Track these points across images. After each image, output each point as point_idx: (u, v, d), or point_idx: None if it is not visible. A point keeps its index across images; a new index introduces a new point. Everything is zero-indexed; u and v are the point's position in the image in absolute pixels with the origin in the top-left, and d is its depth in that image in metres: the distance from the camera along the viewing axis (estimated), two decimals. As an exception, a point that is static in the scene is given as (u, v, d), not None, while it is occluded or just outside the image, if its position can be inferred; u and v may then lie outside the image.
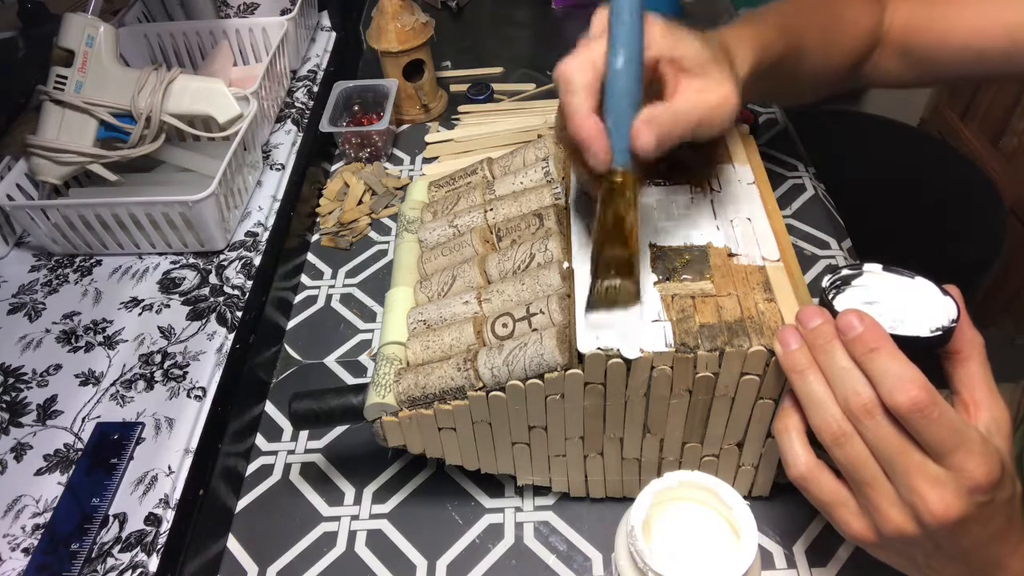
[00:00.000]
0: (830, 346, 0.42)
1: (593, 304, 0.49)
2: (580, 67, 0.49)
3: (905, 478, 0.40)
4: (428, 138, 0.96)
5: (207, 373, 0.65)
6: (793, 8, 0.66)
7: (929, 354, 0.42)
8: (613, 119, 0.47)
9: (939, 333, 0.42)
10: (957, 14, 0.68)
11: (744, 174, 0.57)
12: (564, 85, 0.49)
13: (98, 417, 0.62)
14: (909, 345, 0.41)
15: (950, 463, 0.39)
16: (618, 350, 0.46)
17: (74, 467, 0.59)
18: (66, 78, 0.72)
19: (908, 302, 0.45)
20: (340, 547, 0.59)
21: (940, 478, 0.39)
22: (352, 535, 0.60)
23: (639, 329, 0.47)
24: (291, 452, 0.66)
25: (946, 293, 0.44)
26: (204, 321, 0.70)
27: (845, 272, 0.46)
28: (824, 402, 0.42)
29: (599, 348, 0.46)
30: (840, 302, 0.45)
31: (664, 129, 0.47)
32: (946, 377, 0.44)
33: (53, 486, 0.58)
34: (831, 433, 0.42)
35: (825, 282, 0.46)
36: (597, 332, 0.47)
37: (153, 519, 0.56)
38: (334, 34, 1.12)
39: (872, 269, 0.46)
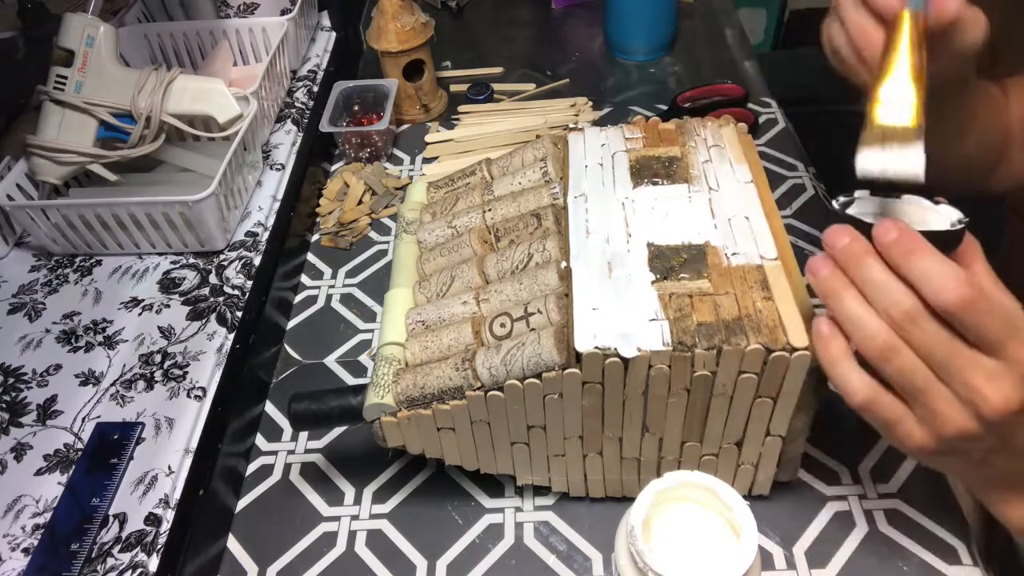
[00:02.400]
0: (864, 261, 0.41)
1: (866, 142, 0.45)
2: None
3: (960, 376, 0.39)
4: (428, 138, 0.96)
5: (207, 373, 0.65)
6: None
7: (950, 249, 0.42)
8: None
9: (961, 226, 0.41)
10: None
11: (742, 173, 0.57)
12: None
13: (98, 417, 0.62)
14: (937, 242, 0.40)
15: (1004, 354, 0.38)
16: (615, 349, 0.46)
17: (74, 467, 0.59)
18: (66, 78, 0.72)
19: (909, 216, 0.44)
20: (340, 547, 0.59)
21: (995, 371, 0.39)
22: (352, 535, 0.60)
23: (636, 328, 0.47)
24: (291, 452, 0.66)
25: (938, 203, 0.43)
26: (204, 321, 0.70)
27: (843, 198, 0.45)
28: (864, 320, 0.41)
29: (596, 347, 0.46)
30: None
31: None
32: None
33: (53, 486, 0.58)
34: (876, 349, 0.41)
35: (837, 202, 0.45)
36: (595, 331, 0.47)
37: (153, 519, 0.56)
38: (334, 34, 1.12)
39: (861, 195, 0.45)
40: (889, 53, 0.45)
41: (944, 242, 0.41)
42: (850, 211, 0.45)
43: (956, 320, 0.39)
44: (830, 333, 0.44)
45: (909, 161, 0.43)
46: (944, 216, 0.43)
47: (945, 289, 0.38)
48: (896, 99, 0.45)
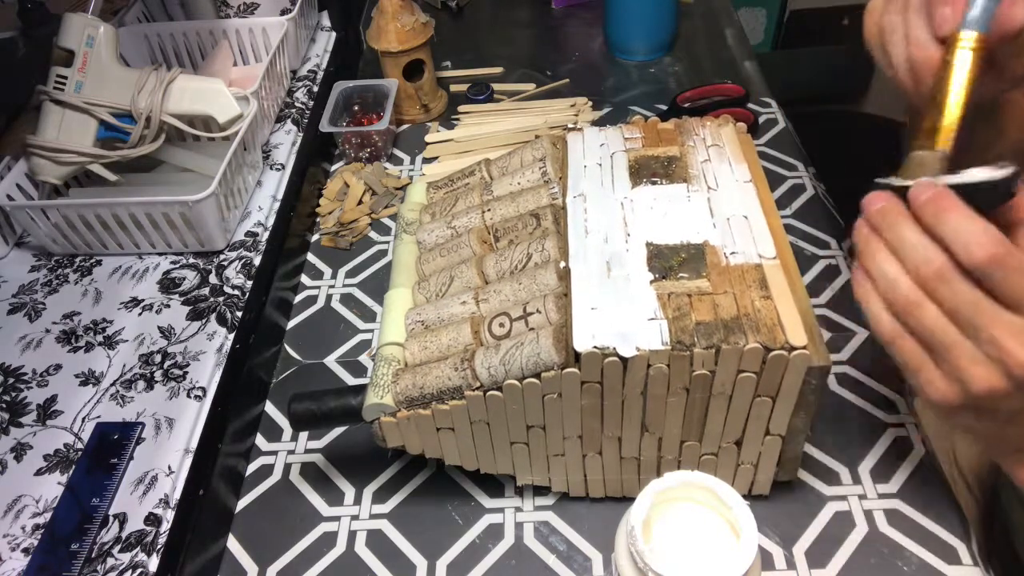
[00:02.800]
0: (896, 221, 0.42)
1: (903, 175, 0.45)
2: None
3: (987, 333, 0.39)
4: (428, 138, 0.96)
5: (207, 373, 0.65)
6: None
7: (998, 205, 0.42)
8: None
9: (1007, 175, 0.41)
10: None
11: (741, 172, 0.57)
12: None
13: (98, 417, 0.63)
14: (982, 195, 0.40)
15: None
16: (614, 348, 0.46)
17: (74, 467, 0.59)
18: (66, 78, 0.72)
19: (962, 178, 0.43)
20: (340, 547, 0.59)
21: (1021, 326, 0.39)
22: (352, 535, 0.60)
23: (635, 327, 0.47)
24: (291, 452, 0.66)
25: (1002, 167, 0.42)
26: (204, 321, 0.70)
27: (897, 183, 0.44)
28: (888, 276, 0.42)
29: (595, 347, 0.46)
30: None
31: None
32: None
33: (53, 486, 0.58)
34: (901, 304, 0.42)
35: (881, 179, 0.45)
36: (593, 331, 0.47)
37: (153, 519, 0.56)
38: (334, 34, 1.12)
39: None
40: (941, 85, 0.45)
41: (989, 194, 0.41)
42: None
43: (985, 276, 0.39)
44: (864, 277, 0.44)
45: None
46: (998, 171, 0.42)
47: (973, 244, 0.38)
48: (937, 132, 0.45)
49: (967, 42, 0.44)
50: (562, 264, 0.53)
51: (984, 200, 0.41)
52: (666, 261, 0.51)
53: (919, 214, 0.41)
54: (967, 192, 0.41)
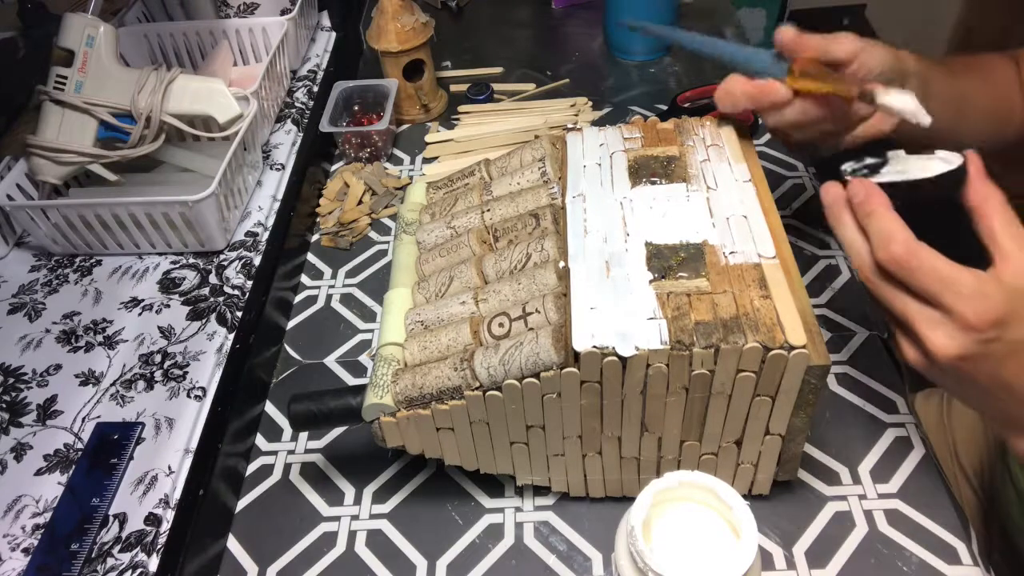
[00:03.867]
0: (839, 217, 0.47)
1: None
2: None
3: (908, 323, 0.44)
4: (428, 138, 0.96)
5: (207, 373, 0.65)
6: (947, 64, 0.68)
7: (943, 209, 0.46)
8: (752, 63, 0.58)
9: (942, 173, 0.45)
10: None
11: (740, 172, 0.57)
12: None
13: (98, 417, 0.63)
14: (918, 189, 0.45)
15: (941, 307, 0.42)
16: (613, 348, 0.46)
17: (74, 467, 0.59)
18: (66, 78, 0.72)
19: (925, 171, 0.47)
20: (340, 547, 0.59)
21: (935, 320, 0.43)
22: (352, 535, 0.60)
23: (634, 327, 0.47)
24: (291, 452, 0.66)
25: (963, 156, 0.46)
26: (204, 321, 0.70)
27: (869, 160, 0.49)
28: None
29: (595, 346, 0.46)
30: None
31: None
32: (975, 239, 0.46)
33: (53, 486, 0.58)
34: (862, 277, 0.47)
35: (847, 166, 0.50)
36: (593, 330, 0.47)
37: (153, 519, 0.56)
38: (334, 34, 1.13)
39: (895, 155, 0.49)
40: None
41: (937, 185, 0.45)
42: (883, 170, 0.49)
43: (895, 275, 0.44)
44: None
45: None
46: (949, 163, 0.46)
47: (880, 248, 0.44)
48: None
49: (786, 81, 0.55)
50: (561, 264, 0.53)
51: (933, 190, 0.45)
52: (665, 261, 0.51)
53: (855, 211, 0.46)
54: (912, 186, 0.45)
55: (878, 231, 0.44)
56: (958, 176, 0.45)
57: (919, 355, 0.45)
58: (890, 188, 0.45)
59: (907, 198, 0.45)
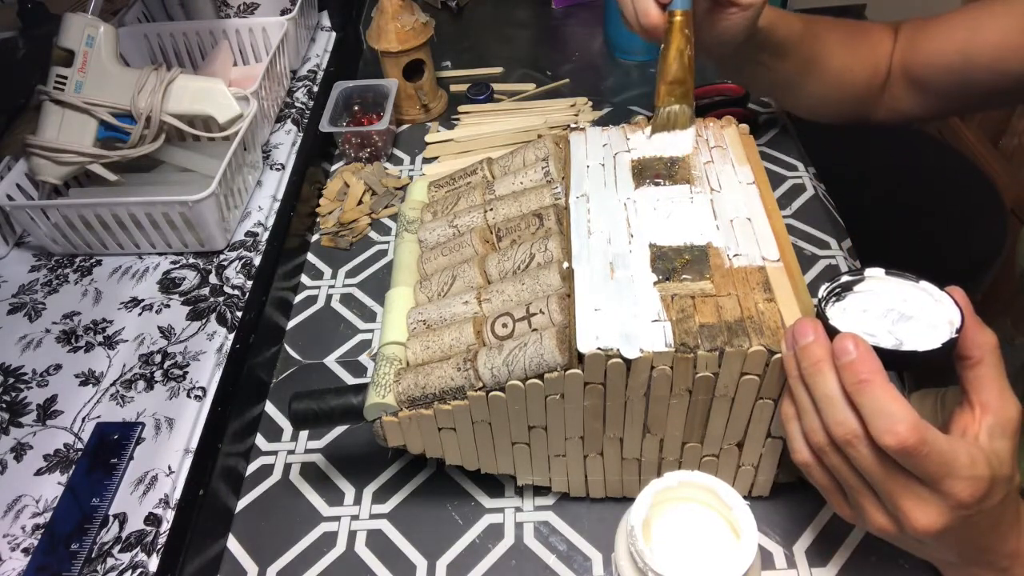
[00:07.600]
0: (817, 369, 0.42)
1: (656, 128, 0.60)
2: None
3: (889, 497, 0.41)
4: (428, 138, 0.96)
5: (207, 373, 0.65)
6: (819, 18, 0.73)
7: (932, 364, 0.42)
8: None
9: (939, 347, 0.41)
10: (946, 34, 0.69)
11: (744, 174, 0.57)
12: None
13: (98, 417, 0.62)
14: (911, 359, 0.41)
15: (938, 488, 0.40)
16: (618, 350, 0.46)
17: (74, 467, 0.59)
18: (66, 78, 0.72)
19: (911, 308, 0.44)
20: (340, 547, 0.59)
21: (924, 497, 0.40)
22: (352, 535, 0.60)
23: (639, 329, 0.47)
24: (291, 452, 0.66)
25: (951, 298, 0.43)
26: (204, 321, 0.70)
27: (845, 279, 0.46)
28: (810, 413, 0.43)
29: (599, 348, 0.46)
30: (836, 310, 0.45)
31: None
32: (957, 376, 0.44)
33: (53, 486, 0.58)
34: (815, 443, 0.44)
35: (822, 291, 0.45)
36: (597, 332, 0.47)
37: (153, 519, 0.56)
38: (334, 34, 1.12)
39: (874, 274, 0.46)
40: (667, 50, 0.59)
41: (925, 360, 0.42)
42: (857, 288, 0.46)
43: (896, 458, 0.40)
44: (789, 401, 0.46)
45: (686, 141, 0.59)
46: (948, 318, 0.43)
47: (887, 433, 0.39)
48: (677, 91, 0.59)
49: (679, 16, 0.59)
50: (565, 265, 0.53)
51: (917, 362, 0.42)
52: (669, 263, 0.51)
53: (840, 372, 0.41)
54: (906, 357, 0.42)
55: (878, 410, 0.39)
56: (953, 344, 0.42)
57: (891, 524, 0.43)
58: (886, 354, 0.41)
59: (897, 363, 0.42)
